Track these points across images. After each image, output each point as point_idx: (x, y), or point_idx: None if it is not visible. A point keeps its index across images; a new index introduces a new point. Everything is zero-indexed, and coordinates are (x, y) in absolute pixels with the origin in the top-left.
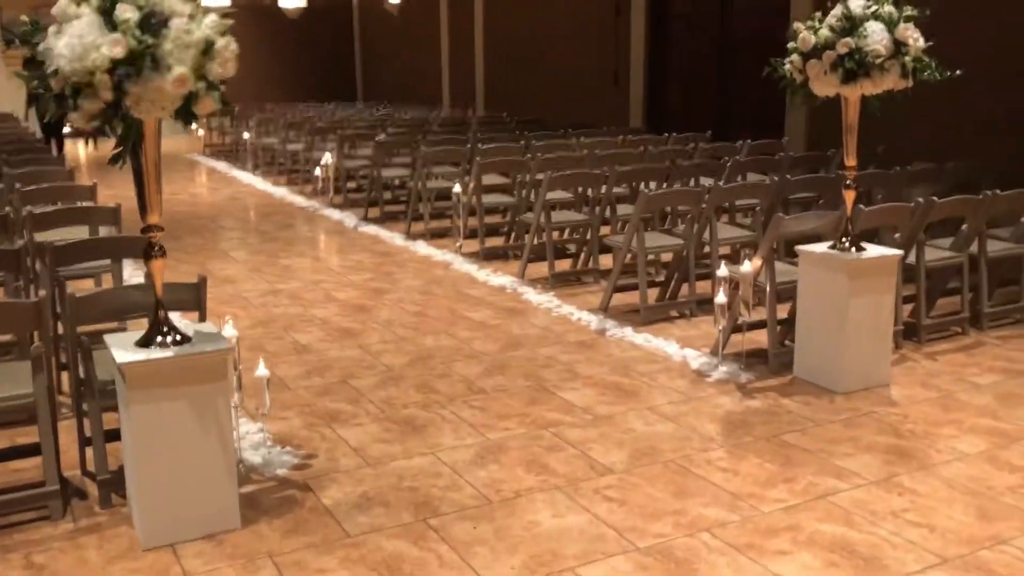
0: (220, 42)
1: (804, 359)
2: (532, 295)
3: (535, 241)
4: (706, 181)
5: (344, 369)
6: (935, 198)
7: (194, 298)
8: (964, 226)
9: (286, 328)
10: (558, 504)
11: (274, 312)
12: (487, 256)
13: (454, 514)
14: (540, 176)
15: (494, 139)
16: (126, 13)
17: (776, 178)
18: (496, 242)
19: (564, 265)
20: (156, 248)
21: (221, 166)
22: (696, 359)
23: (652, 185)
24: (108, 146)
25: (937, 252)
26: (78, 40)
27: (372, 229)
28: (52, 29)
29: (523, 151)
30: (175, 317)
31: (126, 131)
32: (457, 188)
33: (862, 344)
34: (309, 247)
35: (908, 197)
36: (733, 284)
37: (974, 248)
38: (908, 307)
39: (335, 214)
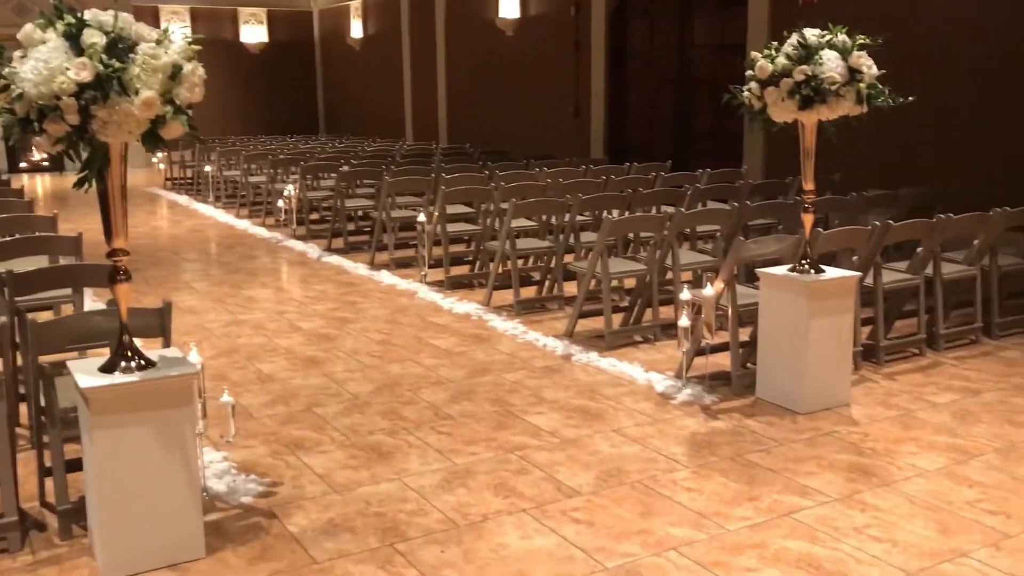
0: (187, 67)
1: (766, 380)
2: (498, 322)
3: (500, 269)
4: (667, 209)
5: (309, 397)
6: (891, 221)
7: (159, 323)
8: (919, 249)
9: (249, 358)
10: (526, 526)
11: (237, 342)
12: (452, 285)
13: (421, 538)
14: (504, 205)
15: (457, 169)
16: (93, 38)
17: (736, 204)
18: (461, 271)
19: (529, 292)
20: (121, 272)
21: (183, 199)
22: (661, 382)
23: (615, 213)
24: (65, 181)
25: (894, 274)
26: (44, 64)
27: (336, 260)
28: (17, 54)
29: (487, 180)
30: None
31: (92, 155)
32: (421, 217)
33: (823, 365)
34: (272, 278)
35: (864, 222)
36: (696, 308)
37: (929, 270)
38: (866, 329)
39: (298, 245)
